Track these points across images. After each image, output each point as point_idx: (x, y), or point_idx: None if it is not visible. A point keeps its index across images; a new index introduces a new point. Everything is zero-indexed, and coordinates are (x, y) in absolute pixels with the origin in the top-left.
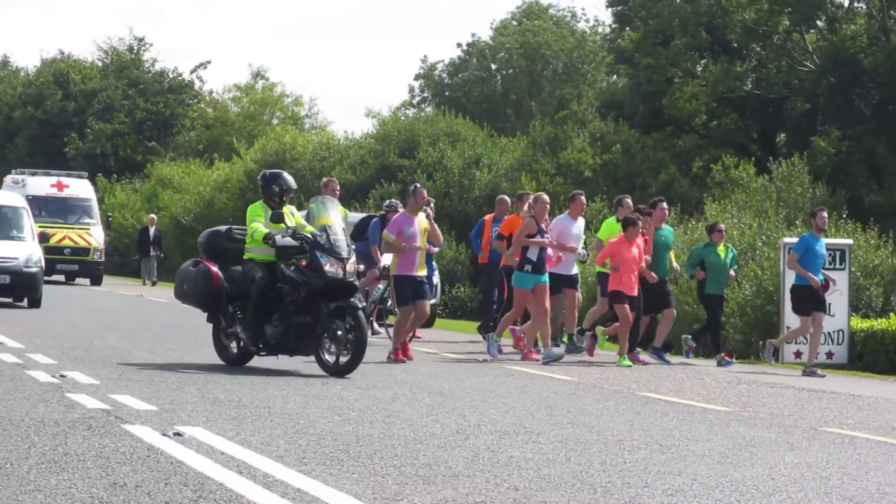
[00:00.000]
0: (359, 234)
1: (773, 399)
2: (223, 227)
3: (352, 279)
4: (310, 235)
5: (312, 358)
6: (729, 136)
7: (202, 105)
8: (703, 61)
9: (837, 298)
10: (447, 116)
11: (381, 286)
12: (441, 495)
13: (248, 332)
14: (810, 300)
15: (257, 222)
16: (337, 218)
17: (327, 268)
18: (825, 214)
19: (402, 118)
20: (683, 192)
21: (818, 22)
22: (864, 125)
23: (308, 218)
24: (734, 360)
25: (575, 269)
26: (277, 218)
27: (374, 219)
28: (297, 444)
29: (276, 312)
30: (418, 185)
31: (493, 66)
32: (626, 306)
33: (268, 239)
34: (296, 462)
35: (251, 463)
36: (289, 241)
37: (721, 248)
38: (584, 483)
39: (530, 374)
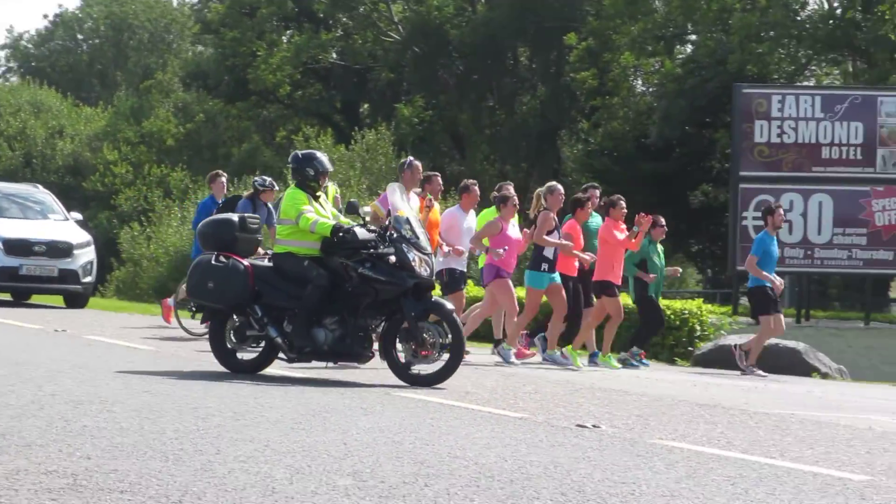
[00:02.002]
0: None
1: (350, 365)
2: (234, 215)
3: (434, 278)
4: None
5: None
6: (313, 106)
7: None
8: (288, 32)
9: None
10: (32, 87)
11: None
12: (14, 465)
13: (299, 337)
14: (769, 300)
15: (310, 213)
16: (407, 208)
17: (416, 266)
18: (782, 212)
19: None
20: (267, 162)
21: None
22: (448, 95)
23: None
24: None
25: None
26: (353, 209)
27: (242, 199)
28: None
29: (332, 315)
30: (412, 159)
31: (80, 37)
32: (619, 299)
33: (343, 231)
34: None
35: None
36: (365, 233)
37: (660, 247)
38: (156, 451)
39: (108, 343)
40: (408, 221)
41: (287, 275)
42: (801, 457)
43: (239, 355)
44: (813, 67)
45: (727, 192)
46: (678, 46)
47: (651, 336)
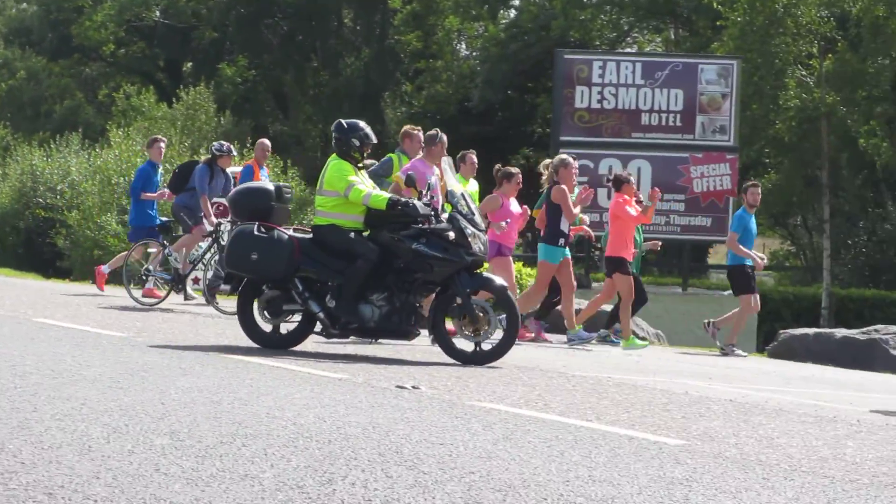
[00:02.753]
0: (180, 183)
1: (169, 324)
2: (269, 184)
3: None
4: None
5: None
6: (136, 64)
7: None
8: None
9: None
10: None
11: (203, 244)
12: None
13: (345, 313)
14: (748, 278)
15: (360, 185)
16: (458, 184)
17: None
18: (758, 190)
19: None
20: (89, 120)
21: None
22: (272, 55)
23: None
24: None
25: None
26: (411, 182)
27: (200, 165)
28: None
29: (380, 291)
30: (440, 133)
31: None
32: (631, 278)
33: (402, 205)
34: None
35: None
36: (424, 208)
37: None
38: None
39: None
40: (463, 196)
41: (329, 248)
42: (618, 420)
43: (266, 328)
44: (635, 34)
45: (548, 156)
46: (502, 11)
47: (636, 311)
